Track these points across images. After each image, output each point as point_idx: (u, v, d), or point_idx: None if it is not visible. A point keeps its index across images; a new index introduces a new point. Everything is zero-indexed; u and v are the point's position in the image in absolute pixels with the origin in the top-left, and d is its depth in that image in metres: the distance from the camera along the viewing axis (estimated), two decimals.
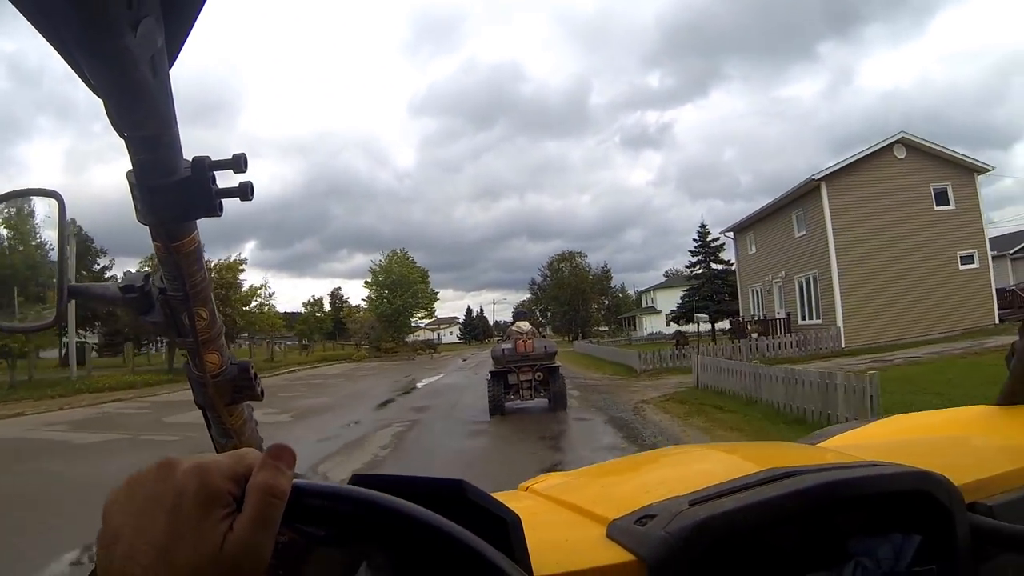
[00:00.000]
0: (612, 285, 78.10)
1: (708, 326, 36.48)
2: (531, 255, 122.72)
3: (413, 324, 64.08)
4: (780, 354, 19.68)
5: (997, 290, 21.74)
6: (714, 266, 36.95)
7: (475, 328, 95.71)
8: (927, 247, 20.45)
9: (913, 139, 21.60)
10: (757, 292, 27.83)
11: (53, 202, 0.79)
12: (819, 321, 21.96)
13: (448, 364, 35.42)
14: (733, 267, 36.62)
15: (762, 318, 25.27)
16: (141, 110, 0.51)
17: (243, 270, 34.67)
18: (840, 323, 20.58)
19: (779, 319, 24.43)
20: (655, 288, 66.80)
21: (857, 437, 1.40)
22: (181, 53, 0.51)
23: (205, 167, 0.62)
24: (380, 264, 59.27)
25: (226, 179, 0.65)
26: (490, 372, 12.06)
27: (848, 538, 0.75)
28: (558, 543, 0.71)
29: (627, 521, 0.72)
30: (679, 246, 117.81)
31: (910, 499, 0.74)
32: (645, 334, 54.87)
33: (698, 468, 1.09)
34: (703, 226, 37.72)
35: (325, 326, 62.64)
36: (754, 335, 23.56)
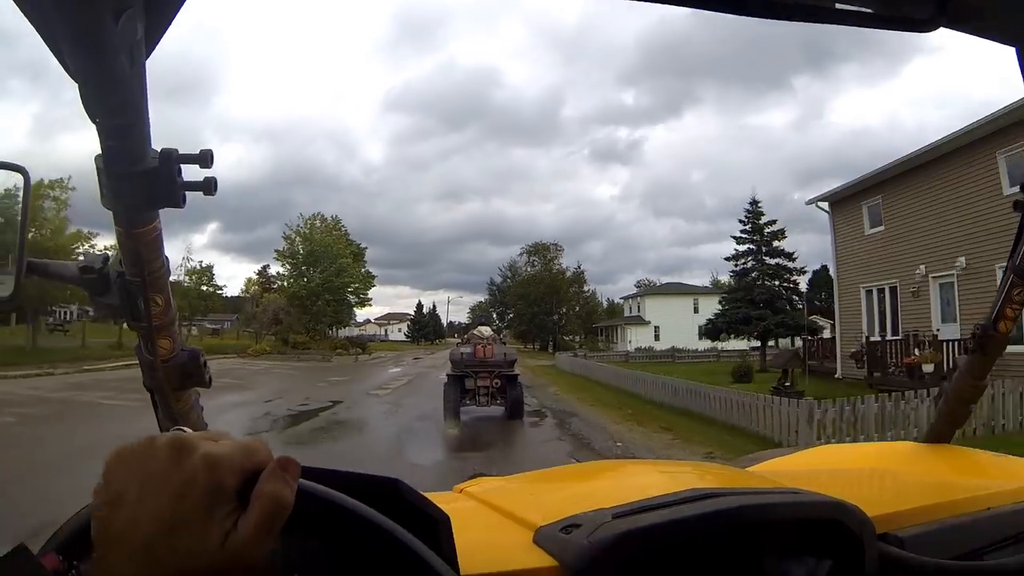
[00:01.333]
0: (585, 289, 65.49)
1: (746, 344, 26.01)
2: (490, 259, 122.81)
3: (358, 318, 52.01)
4: None
5: None
6: (768, 260, 25.97)
7: (425, 327, 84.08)
8: None
9: None
10: (879, 296, 17.24)
11: (18, 175, 0.78)
12: None
13: (368, 377, 22.88)
14: (794, 262, 26.34)
15: (920, 339, 14.41)
16: (115, 98, 0.53)
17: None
18: None
19: (947, 340, 13.79)
20: (644, 295, 56.06)
21: (785, 464, 1.48)
22: (158, 46, 0.53)
23: (172, 159, 0.63)
24: (298, 230, 43.86)
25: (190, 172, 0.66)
26: (447, 375, 11.73)
27: (765, 558, 0.77)
28: (486, 545, 0.76)
29: (553, 528, 0.75)
30: (639, 261, 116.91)
31: (824, 526, 0.77)
32: (631, 348, 44.07)
33: (626, 483, 1.20)
34: (754, 202, 26.88)
35: (212, 304, 46.07)
36: (925, 367, 12.91)
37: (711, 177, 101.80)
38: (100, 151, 0.61)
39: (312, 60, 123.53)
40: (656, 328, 50.12)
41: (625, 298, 61.09)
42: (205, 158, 0.64)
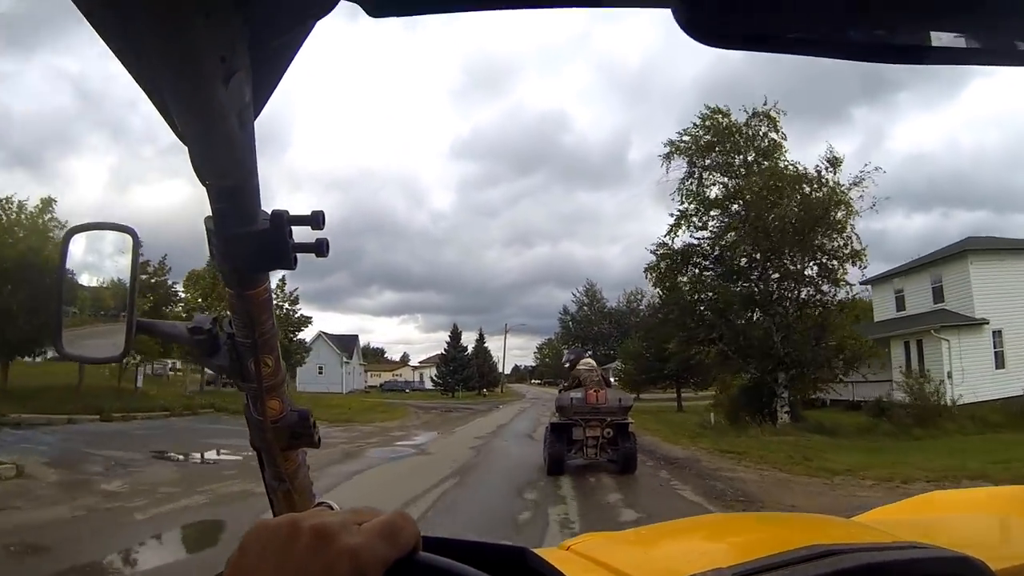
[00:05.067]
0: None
1: None
2: (557, 301, 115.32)
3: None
4: None
5: None
6: None
7: (463, 367, 51.75)
8: None
9: None
10: None
11: (127, 236, 0.78)
12: None
13: None
14: None
15: None
16: (226, 161, 0.53)
17: None
18: None
19: None
20: (966, 252, 22.01)
21: (895, 512, 1.45)
22: (265, 107, 0.53)
23: (283, 221, 0.63)
24: None
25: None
26: (551, 424, 10.87)
27: None
28: None
29: None
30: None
31: None
32: (956, 390, 18.29)
33: (739, 539, 1.17)
34: None
35: None
36: None
37: None
38: (210, 213, 0.59)
39: (379, 110, 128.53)
40: (995, 333, 20.42)
41: (879, 278, 25.37)
42: (317, 219, 0.62)
